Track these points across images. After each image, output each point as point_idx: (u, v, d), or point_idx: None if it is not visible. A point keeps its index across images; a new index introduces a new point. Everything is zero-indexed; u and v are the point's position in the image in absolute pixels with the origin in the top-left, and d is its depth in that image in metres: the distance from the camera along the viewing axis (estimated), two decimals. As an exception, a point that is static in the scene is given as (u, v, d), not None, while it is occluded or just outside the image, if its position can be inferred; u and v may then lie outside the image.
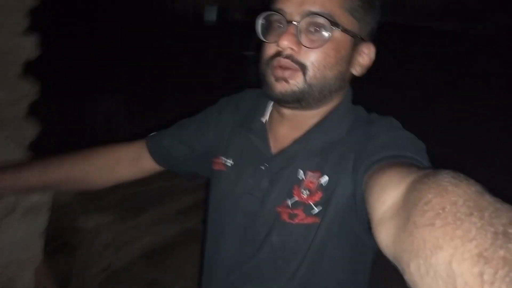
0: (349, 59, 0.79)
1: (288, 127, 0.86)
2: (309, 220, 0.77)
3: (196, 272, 2.41)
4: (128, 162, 1.06)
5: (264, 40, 0.80)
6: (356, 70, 0.83)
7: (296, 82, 0.76)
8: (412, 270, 0.36)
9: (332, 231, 0.76)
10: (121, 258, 2.19)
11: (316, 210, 0.77)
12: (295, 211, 0.78)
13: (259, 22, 0.80)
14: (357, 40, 0.79)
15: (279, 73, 0.76)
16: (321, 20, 0.73)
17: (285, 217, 0.79)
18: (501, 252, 0.29)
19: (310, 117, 0.84)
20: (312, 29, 0.74)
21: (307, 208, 0.77)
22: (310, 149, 0.81)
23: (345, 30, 0.75)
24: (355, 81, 0.87)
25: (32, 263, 1.50)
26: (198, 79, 5.60)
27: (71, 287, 1.97)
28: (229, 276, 0.86)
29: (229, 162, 0.91)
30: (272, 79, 0.78)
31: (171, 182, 2.51)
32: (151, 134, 1.08)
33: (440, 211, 0.36)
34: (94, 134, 3.08)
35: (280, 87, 0.76)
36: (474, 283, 0.29)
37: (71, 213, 2.00)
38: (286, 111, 0.83)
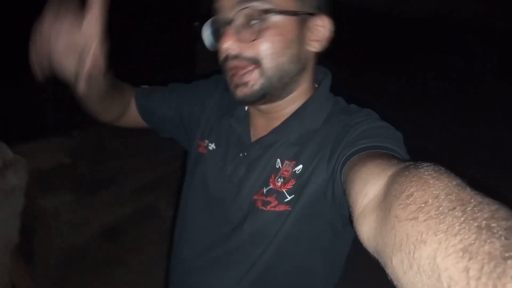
0: (300, 39, 0.76)
1: (265, 119, 0.86)
2: (281, 208, 0.77)
3: (155, 248, 2.49)
4: (124, 105, 1.01)
5: (214, 48, 0.79)
6: (314, 47, 0.79)
7: (254, 81, 0.74)
8: (395, 264, 0.36)
9: (303, 218, 0.76)
10: (81, 237, 2.19)
11: (288, 198, 0.77)
12: (268, 198, 0.78)
13: (205, 33, 0.80)
14: (303, 17, 0.75)
15: (236, 80, 0.76)
16: (250, 10, 0.70)
17: (259, 204, 0.79)
18: (486, 247, 0.28)
19: (285, 107, 0.83)
20: (249, 22, 0.72)
21: (280, 196, 0.77)
22: (287, 139, 0.81)
23: (281, 12, 0.71)
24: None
25: (9, 243, 1.49)
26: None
27: (34, 267, 1.96)
28: (198, 258, 0.87)
29: (212, 146, 0.92)
30: (232, 87, 0.78)
31: (126, 161, 2.50)
32: (143, 86, 1.05)
33: (423, 205, 0.36)
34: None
35: (240, 92, 0.76)
36: (459, 278, 0.28)
37: (30, 194, 1.97)
38: (260, 106, 0.83)
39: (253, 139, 0.86)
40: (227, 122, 0.91)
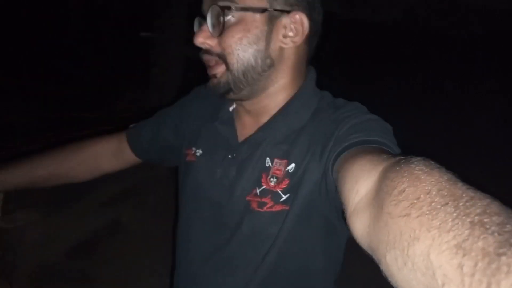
0: (268, 35, 0.77)
1: (251, 116, 0.87)
2: (278, 208, 0.77)
3: (123, 261, 2.56)
4: (110, 156, 1.09)
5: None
6: (285, 43, 0.79)
7: (221, 74, 0.78)
8: (389, 261, 0.36)
9: (302, 217, 0.76)
10: (50, 255, 2.25)
11: (284, 197, 0.77)
12: (264, 199, 0.78)
13: (195, 29, 0.83)
14: (272, 14, 0.76)
15: (209, 72, 0.80)
16: (218, 8, 0.74)
17: (254, 205, 0.79)
18: (480, 244, 0.28)
19: (267, 103, 0.84)
20: (218, 18, 0.75)
21: (275, 196, 0.77)
22: (275, 137, 0.81)
23: (244, 9, 0.74)
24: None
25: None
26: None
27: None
28: (202, 266, 0.87)
29: (199, 152, 0.92)
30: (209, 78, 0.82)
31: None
32: (131, 126, 1.11)
33: (415, 201, 0.36)
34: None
35: (211, 83, 0.80)
36: (453, 275, 0.28)
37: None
38: (243, 103, 0.85)
39: (241, 139, 0.87)
40: (212, 125, 0.92)
